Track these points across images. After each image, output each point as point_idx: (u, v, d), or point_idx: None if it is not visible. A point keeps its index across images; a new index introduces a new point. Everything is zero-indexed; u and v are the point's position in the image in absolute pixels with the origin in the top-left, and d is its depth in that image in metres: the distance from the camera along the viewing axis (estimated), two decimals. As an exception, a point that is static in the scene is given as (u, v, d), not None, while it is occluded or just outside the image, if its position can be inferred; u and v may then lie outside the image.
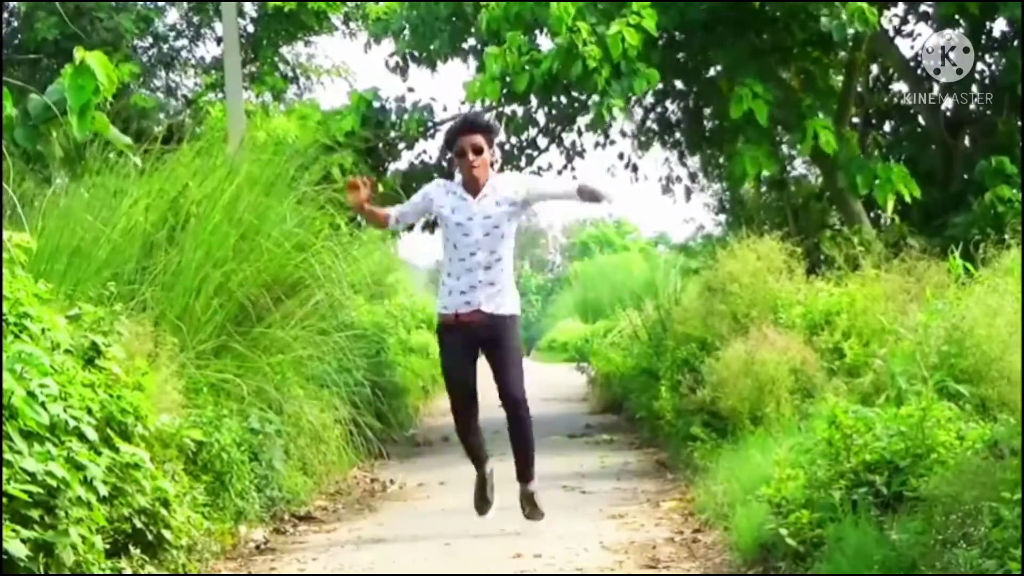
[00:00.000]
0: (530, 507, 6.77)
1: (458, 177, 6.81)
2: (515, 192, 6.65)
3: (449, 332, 6.70)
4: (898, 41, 14.11)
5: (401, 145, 14.38)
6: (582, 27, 10.85)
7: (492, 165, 6.73)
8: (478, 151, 6.60)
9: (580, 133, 15.42)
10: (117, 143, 6.88)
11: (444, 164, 14.67)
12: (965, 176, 12.77)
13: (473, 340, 6.65)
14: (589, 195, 6.59)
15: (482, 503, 6.93)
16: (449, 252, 6.73)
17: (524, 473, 6.81)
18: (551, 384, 20.33)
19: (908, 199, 11.65)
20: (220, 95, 17.47)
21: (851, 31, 10.95)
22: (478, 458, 6.94)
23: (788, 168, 14.97)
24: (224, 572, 5.91)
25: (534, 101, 13.90)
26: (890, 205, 11.68)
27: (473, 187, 6.66)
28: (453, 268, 6.68)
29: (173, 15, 18.79)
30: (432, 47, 13.09)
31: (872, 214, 13.05)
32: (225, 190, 8.26)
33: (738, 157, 11.81)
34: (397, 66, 13.63)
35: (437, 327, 6.86)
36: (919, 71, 12.78)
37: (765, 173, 12.19)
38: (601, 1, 11.24)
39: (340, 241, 9.32)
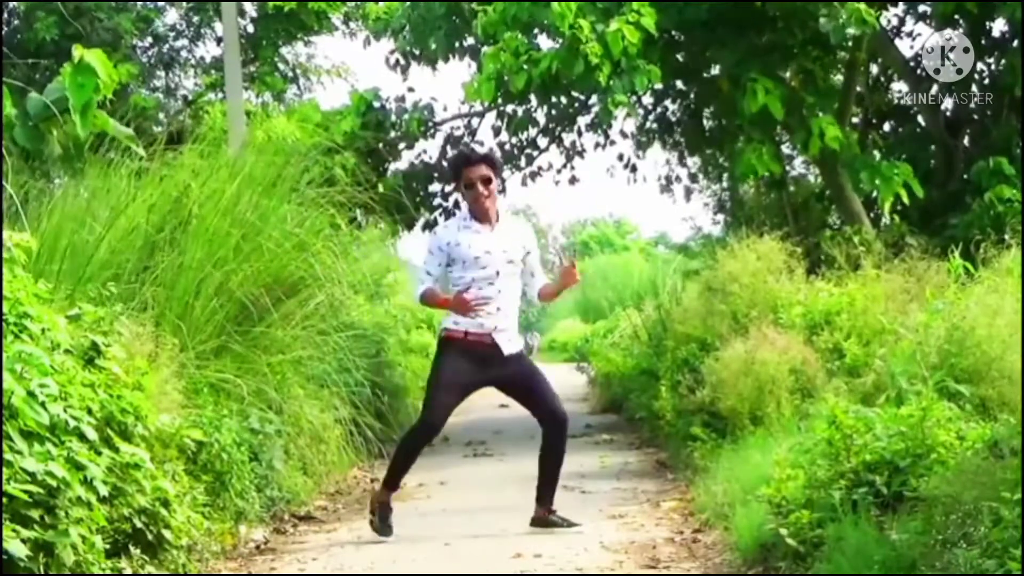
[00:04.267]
0: (558, 519, 6.69)
1: (462, 211, 6.78)
2: (527, 240, 6.69)
3: (453, 352, 6.55)
4: (898, 41, 14.13)
5: (401, 145, 14.39)
6: (583, 24, 10.85)
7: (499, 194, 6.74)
8: (487, 182, 6.55)
9: (580, 133, 15.44)
10: (120, 136, 6.88)
11: (444, 164, 14.71)
12: (965, 176, 12.78)
13: (478, 364, 6.53)
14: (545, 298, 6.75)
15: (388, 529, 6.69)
16: (460, 284, 6.55)
17: (550, 496, 6.73)
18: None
19: (911, 197, 11.65)
20: (220, 95, 17.48)
21: (850, 32, 10.95)
22: (400, 479, 6.76)
23: (788, 168, 14.98)
24: (224, 572, 5.91)
25: (534, 101, 13.91)
26: (888, 204, 11.68)
27: (485, 218, 6.60)
28: (474, 295, 6.49)
29: (173, 15, 18.79)
30: (431, 45, 13.09)
31: (872, 214, 13.05)
32: (226, 190, 8.27)
33: (740, 157, 11.81)
34: (397, 63, 13.64)
35: (440, 340, 6.70)
36: (919, 71, 12.78)
37: (766, 173, 12.18)
38: (601, 0, 11.25)
39: (340, 241, 9.32)
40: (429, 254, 6.67)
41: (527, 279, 6.75)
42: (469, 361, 6.52)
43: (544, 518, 6.66)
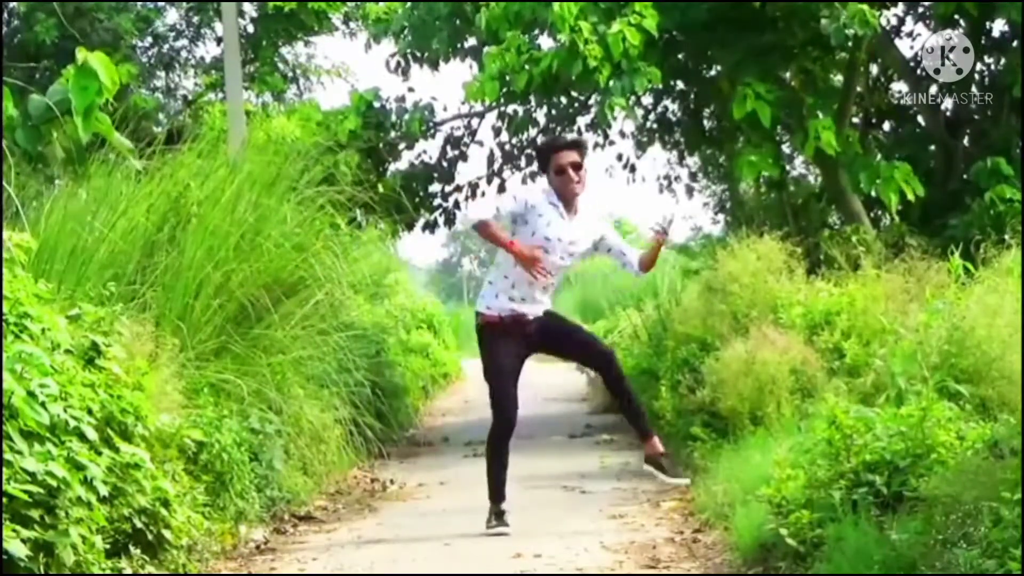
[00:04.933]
0: (668, 466, 6.75)
1: (548, 191, 6.70)
2: (594, 231, 6.70)
3: (497, 337, 6.61)
4: (898, 41, 14.13)
5: (401, 145, 14.38)
6: (583, 26, 10.85)
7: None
8: (576, 167, 6.57)
9: (580, 133, 15.42)
10: (119, 148, 6.88)
11: (444, 164, 14.71)
12: (964, 176, 12.78)
13: (520, 340, 6.59)
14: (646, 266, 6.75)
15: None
16: (511, 259, 6.54)
17: (647, 431, 6.80)
18: (551, 384, 20.30)
19: (912, 197, 11.65)
20: (220, 95, 17.48)
21: (850, 32, 10.95)
22: (503, 482, 6.73)
23: (788, 168, 14.97)
24: (224, 572, 5.91)
25: (534, 101, 13.90)
26: (894, 203, 11.67)
27: (570, 205, 6.61)
28: (512, 273, 6.54)
29: (173, 15, 18.80)
30: (433, 46, 13.08)
31: (872, 214, 13.05)
32: (225, 190, 8.26)
33: (739, 158, 11.80)
34: (398, 66, 13.63)
35: (478, 327, 6.72)
36: (919, 71, 12.78)
37: (765, 174, 12.18)
38: (603, 1, 11.25)
39: (340, 241, 9.33)
40: (510, 199, 6.63)
41: (618, 257, 6.80)
42: (512, 342, 6.58)
43: (653, 456, 6.78)
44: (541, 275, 6.44)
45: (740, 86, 11.32)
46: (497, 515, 6.69)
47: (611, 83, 10.98)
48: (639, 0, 11.04)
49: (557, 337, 6.75)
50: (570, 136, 7.08)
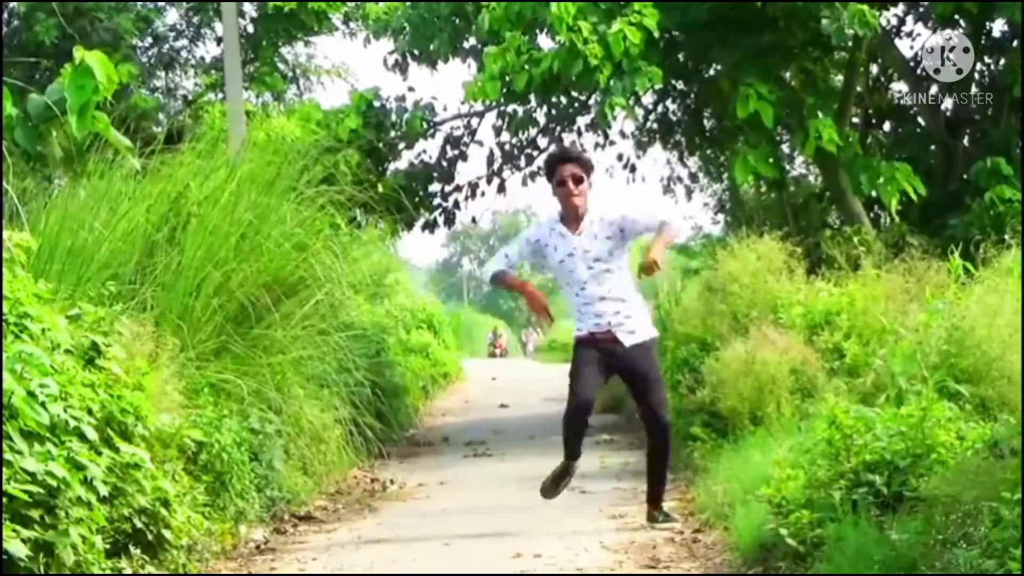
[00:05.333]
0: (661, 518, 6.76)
1: (555, 213, 6.81)
2: (611, 224, 6.66)
3: (584, 347, 6.70)
4: (898, 41, 14.13)
5: (401, 145, 14.39)
6: (583, 26, 10.85)
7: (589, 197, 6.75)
8: (577, 180, 6.62)
9: (580, 133, 15.44)
10: (118, 145, 6.87)
11: (444, 163, 14.72)
12: (964, 176, 12.79)
13: (607, 358, 6.64)
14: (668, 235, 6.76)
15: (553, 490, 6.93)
16: (564, 290, 6.80)
17: (654, 495, 6.83)
18: (552, 384, 20.31)
19: (914, 197, 11.66)
20: (220, 95, 17.48)
21: (851, 32, 10.95)
22: (576, 449, 6.91)
23: (788, 168, 14.98)
24: (224, 572, 5.91)
25: (534, 101, 13.90)
26: (894, 203, 11.68)
27: (572, 219, 6.67)
28: (575, 301, 6.72)
29: (173, 15, 18.80)
30: (432, 46, 13.09)
31: (872, 214, 13.05)
32: (225, 190, 8.26)
33: (738, 158, 11.81)
34: (397, 64, 13.63)
35: (573, 346, 6.85)
36: (919, 71, 12.79)
37: (764, 175, 12.18)
38: (603, 1, 11.25)
39: (340, 241, 9.32)
40: (516, 244, 6.91)
41: (641, 233, 6.80)
42: (597, 351, 6.64)
43: (650, 513, 6.78)
44: (546, 322, 6.77)
45: (742, 86, 11.32)
46: (560, 474, 6.89)
47: (612, 82, 10.98)
48: (639, 0, 11.04)
49: (633, 376, 6.78)
50: (575, 151, 7.07)
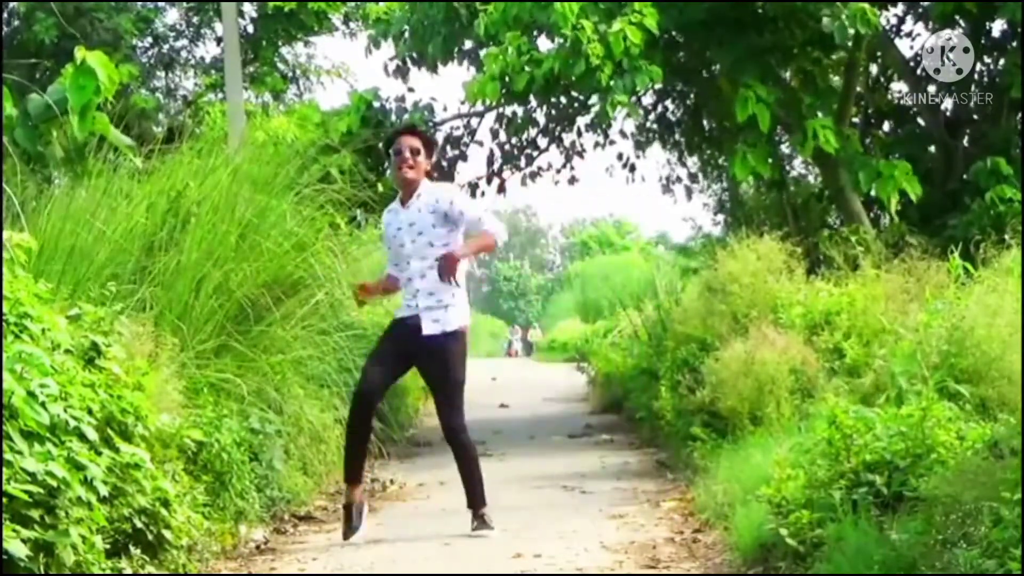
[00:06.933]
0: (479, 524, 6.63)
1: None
2: (437, 201, 6.58)
3: (389, 331, 6.72)
4: (898, 41, 14.13)
5: (401, 145, 14.36)
6: (586, 25, 10.85)
7: (427, 175, 6.73)
8: (414, 152, 6.62)
9: (580, 133, 15.44)
10: (119, 144, 6.88)
11: (444, 164, 14.70)
12: (964, 176, 12.79)
13: (406, 343, 6.55)
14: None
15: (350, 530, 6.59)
16: (392, 267, 6.83)
17: (473, 500, 6.67)
18: (551, 384, 20.34)
19: (913, 197, 11.66)
20: (220, 95, 17.49)
21: (852, 31, 10.95)
22: (359, 469, 6.63)
23: (788, 168, 14.98)
24: (224, 572, 5.91)
25: (534, 101, 13.90)
26: (894, 203, 11.67)
27: (405, 192, 6.67)
28: (402, 280, 6.72)
29: (173, 15, 18.82)
30: (429, 49, 13.08)
31: (872, 214, 13.05)
32: (225, 190, 8.26)
33: (737, 157, 11.81)
34: (397, 69, 13.64)
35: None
36: (919, 71, 12.79)
37: (764, 176, 12.18)
38: (603, 0, 11.25)
39: (340, 241, 9.32)
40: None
41: (470, 225, 6.63)
42: (399, 338, 6.60)
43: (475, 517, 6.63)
44: (366, 298, 6.97)
45: (741, 88, 11.32)
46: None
47: (612, 82, 10.98)
48: (639, 0, 11.04)
49: (427, 374, 6.76)
50: (420, 127, 7.12)
